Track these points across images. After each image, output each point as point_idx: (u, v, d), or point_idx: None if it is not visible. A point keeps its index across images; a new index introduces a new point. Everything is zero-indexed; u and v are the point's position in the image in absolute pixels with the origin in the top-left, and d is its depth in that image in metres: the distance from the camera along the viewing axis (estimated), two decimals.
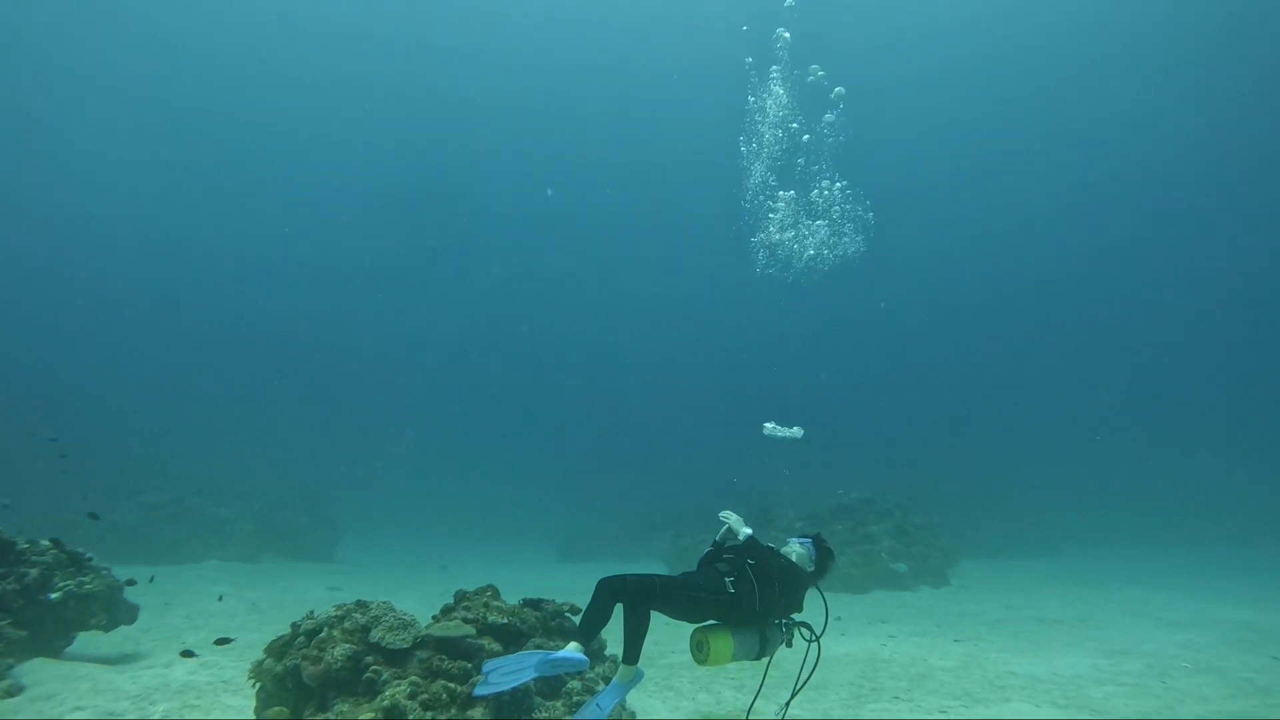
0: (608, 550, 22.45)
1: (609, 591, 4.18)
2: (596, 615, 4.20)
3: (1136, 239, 43.93)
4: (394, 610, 5.15)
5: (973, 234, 46.51)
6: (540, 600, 5.85)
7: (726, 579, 4.33)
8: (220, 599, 7.13)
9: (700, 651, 4.29)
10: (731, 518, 4.78)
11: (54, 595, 6.19)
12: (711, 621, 4.39)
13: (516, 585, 9.68)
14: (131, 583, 6.44)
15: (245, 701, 5.63)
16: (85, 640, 6.96)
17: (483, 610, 5.41)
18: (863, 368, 46.04)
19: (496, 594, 5.78)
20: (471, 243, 48.11)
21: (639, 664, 4.08)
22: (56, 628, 6.44)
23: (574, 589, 6.53)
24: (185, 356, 41.49)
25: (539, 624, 5.59)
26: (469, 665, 4.81)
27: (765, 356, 40.77)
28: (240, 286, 46.79)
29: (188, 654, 6.58)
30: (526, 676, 4.05)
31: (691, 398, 43.71)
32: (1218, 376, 43.27)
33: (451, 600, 5.73)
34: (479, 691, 4.11)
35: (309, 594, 13.16)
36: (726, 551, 4.68)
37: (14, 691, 5.37)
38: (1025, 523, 22.70)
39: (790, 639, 4.54)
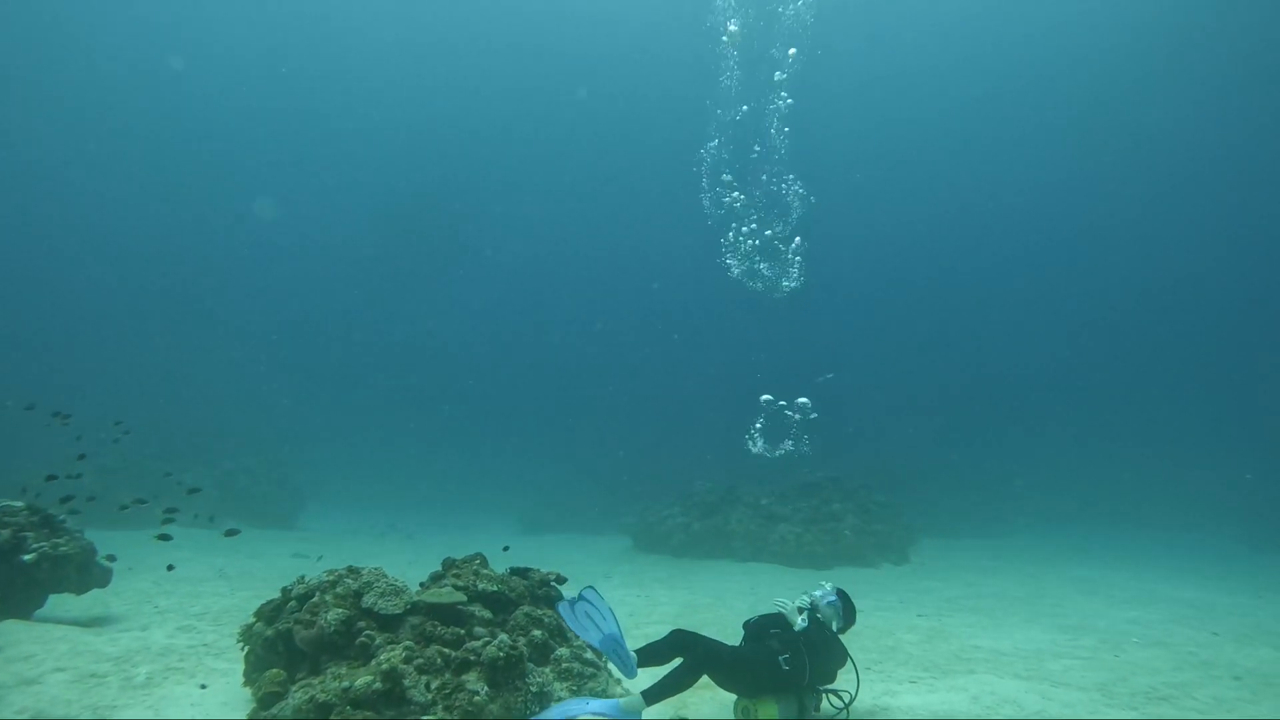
0: (572, 522, 22.57)
1: (681, 645, 4.73)
2: (657, 653, 4.75)
3: (1102, 227, 44.96)
4: (386, 576, 5.18)
5: (935, 216, 47.22)
6: (527, 569, 5.94)
7: (780, 658, 4.71)
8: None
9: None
10: (787, 607, 5.19)
11: (28, 557, 6.07)
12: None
13: (486, 555, 9.78)
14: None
15: (229, 664, 5.62)
16: (55, 602, 6.85)
17: (472, 578, 5.48)
18: (827, 349, 46.67)
19: (485, 562, 5.85)
20: (453, 228, 47.57)
21: (649, 706, 4.34)
22: (28, 590, 6.33)
23: (546, 560, 6.66)
24: (149, 320, 40.49)
25: (526, 592, 5.67)
26: (461, 631, 4.87)
27: (737, 335, 41.09)
28: (212, 260, 46.07)
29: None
30: (592, 639, 4.45)
31: (663, 370, 43.87)
32: (1168, 365, 44.75)
33: (422, 568, 5.82)
34: (561, 606, 4.65)
35: (276, 561, 13.07)
36: (773, 626, 5.04)
37: None
38: (980, 503, 23.40)
39: (819, 704, 4.92)
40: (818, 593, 5.44)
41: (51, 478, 8.81)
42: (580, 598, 4.57)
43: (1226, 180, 39.51)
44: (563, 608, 4.57)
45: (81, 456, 8.55)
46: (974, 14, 36.56)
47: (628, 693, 4.45)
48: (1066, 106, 39.88)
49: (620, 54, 40.66)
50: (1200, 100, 37.03)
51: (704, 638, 4.80)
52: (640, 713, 4.22)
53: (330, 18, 40.11)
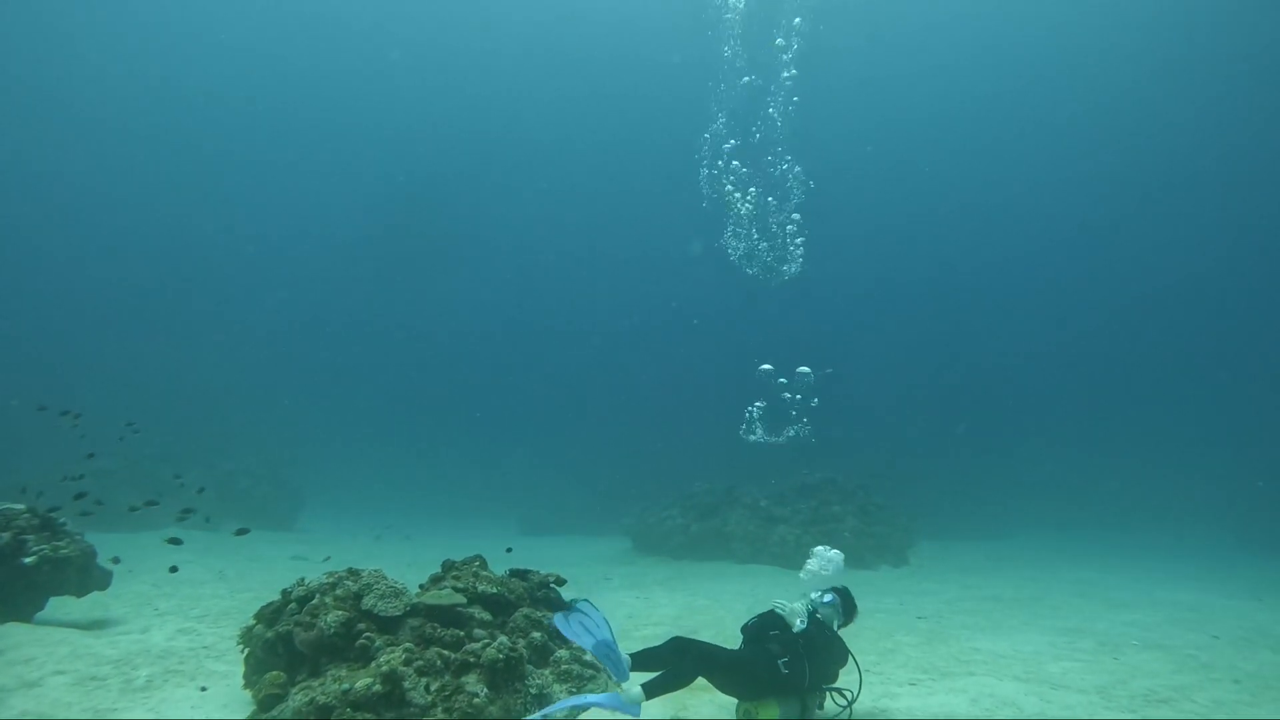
0: (572, 524, 22.58)
1: (679, 650, 4.69)
2: (655, 657, 4.69)
3: (1105, 226, 44.94)
4: (385, 579, 5.19)
5: (935, 215, 47.17)
6: (526, 571, 5.96)
7: (779, 660, 4.69)
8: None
9: None
10: (788, 609, 5.15)
11: (29, 560, 6.08)
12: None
13: (485, 557, 9.78)
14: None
15: (229, 667, 5.63)
16: (56, 604, 6.85)
17: (471, 580, 5.48)
18: (826, 349, 46.58)
19: (484, 564, 5.85)
20: (453, 227, 47.66)
21: (646, 700, 4.35)
22: (29, 592, 6.33)
23: (545, 561, 6.65)
24: (148, 320, 40.56)
25: (526, 594, 5.68)
26: (461, 633, 4.88)
27: (734, 334, 41.06)
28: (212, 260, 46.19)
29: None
30: (586, 644, 4.41)
31: (660, 370, 43.85)
32: (1168, 368, 44.77)
33: (421, 570, 5.82)
34: (557, 618, 4.57)
35: (276, 563, 13.08)
36: (772, 628, 5.02)
37: None
38: (979, 505, 23.40)
39: (822, 702, 4.96)
40: (813, 564, 5.45)
41: (67, 478, 8.83)
42: (575, 608, 4.58)
43: (1229, 181, 39.54)
44: (558, 619, 4.59)
45: (91, 455, 8.58)
46: (975, 11, 36.60)
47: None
48: (1070, 105, 39.84)
49: (620, 49, 40.65)
50: (1202, 101, 37.07)
51: (702, 643, 4.80)
52: (640, 704, 4.22)
53: (329, 16, 40.16)
